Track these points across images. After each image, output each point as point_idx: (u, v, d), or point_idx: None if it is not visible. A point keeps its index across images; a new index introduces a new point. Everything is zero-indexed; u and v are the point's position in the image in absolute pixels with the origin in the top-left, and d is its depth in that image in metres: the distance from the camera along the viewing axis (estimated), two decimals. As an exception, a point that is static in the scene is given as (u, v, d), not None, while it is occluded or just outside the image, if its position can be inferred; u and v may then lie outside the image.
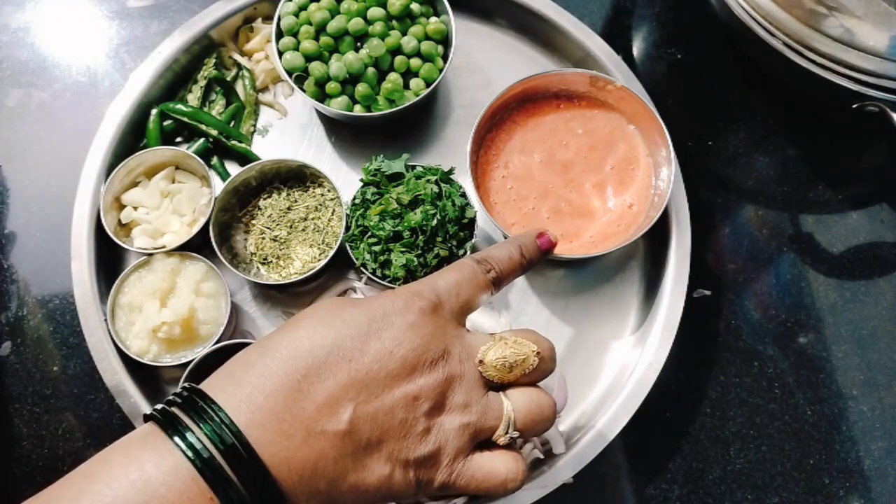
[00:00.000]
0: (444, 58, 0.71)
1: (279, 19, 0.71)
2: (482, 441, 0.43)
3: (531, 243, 0.50)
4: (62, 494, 0.36)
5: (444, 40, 0.72)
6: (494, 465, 0.42)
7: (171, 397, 0.40)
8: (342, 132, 0.76)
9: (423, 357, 0.41)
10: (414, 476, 0.40)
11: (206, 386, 0.40)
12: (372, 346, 0.41)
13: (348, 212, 0.67)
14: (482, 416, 0.42)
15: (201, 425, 0.37)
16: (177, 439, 0.36)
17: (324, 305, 0.43)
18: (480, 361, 0.43)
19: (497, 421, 0.43)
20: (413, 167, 0.68)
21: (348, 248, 0.66)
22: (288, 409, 0.38)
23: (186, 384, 0.40)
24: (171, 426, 0.37)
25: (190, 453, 0.36)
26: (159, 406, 0.39)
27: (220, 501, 0.36)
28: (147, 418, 0.39)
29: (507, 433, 0.43)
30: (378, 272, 0.65)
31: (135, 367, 0.65)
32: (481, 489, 0.42)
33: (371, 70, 0.69)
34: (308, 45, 0.69)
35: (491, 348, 0.43)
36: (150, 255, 0.66)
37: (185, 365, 0.62)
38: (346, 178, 0.73)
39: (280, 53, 0.70)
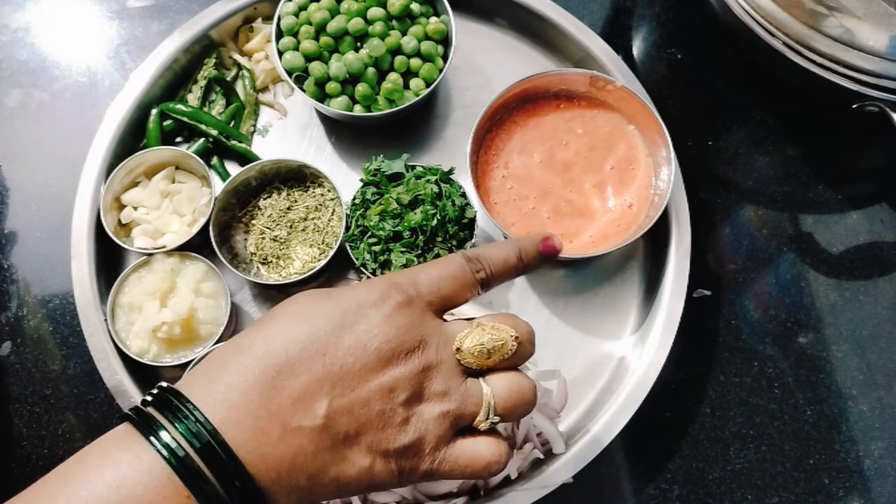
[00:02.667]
0: (444, 58, 0.71)
1: (279, 19, 0.71)
2: (464, 427, 0.43)
3: (532, 248, 0.49)
4: (40, 495, 0.36)
5: (444, 40, 0.72)
6: (477, 450, 0.42)
7: (146, 397, 0.39)
8: (342, 132, 0.76)
9: (398, 348, 0.41)
10: (396, 466, 0.40)
11: (181, 385, 0.40)
12: (346, 339, 0.40)
13: (348, 212, 0.67)
14: (461, 403, 0.42)
15: (176, 424, 0.37)
16: (152, 439, 0.36)
17: (297, 300, 0.43)
18: (458, 349, 0.43)
19: (477, 407, 0.42)
20: (413, 167, 0.68)
21: (348, 248, 0.66)
22: (263, 406, 0.38)
23: (162, 384, 0.40)
24: (146, 426, 0.37)
25: (165, 452, 0.36)
26: (134, 406, 0.39)
27: (197, 500, 0.35)
28: (122, 418, 0.39)
29: (487, 418, 0.42)
30: (378, 272, 0.65)
31: (135, 367, 0.65)
32: (466, 474, 0.42)
33: (371, 70, 0.69)
34: (308, 45, 0.69)
35: (468, 335, 0.43)
36: (150, 255, 0.66)
37: (185, 365, 0.62)
38: (346, 178, 0.73)
39: (280, 53, 0.70)
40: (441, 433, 0.41)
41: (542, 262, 0.50)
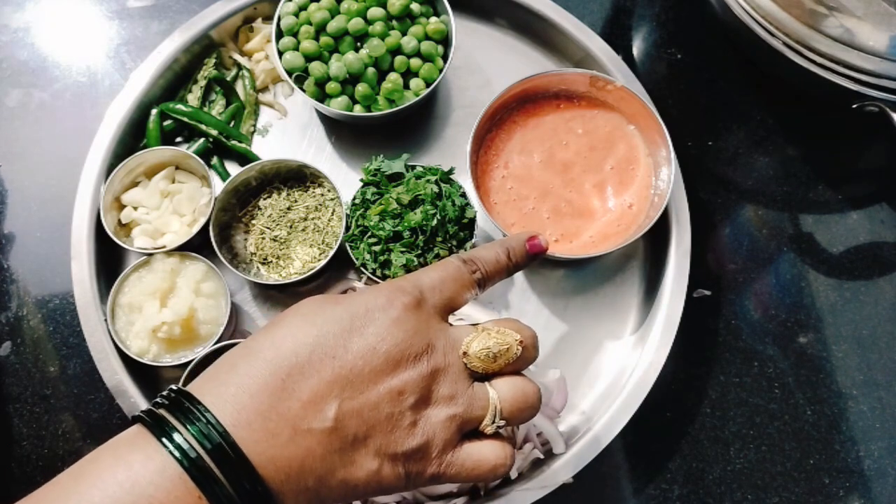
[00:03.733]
0: (444, 58, 0.71)
1: (279, 19, 0.71)
2: (469, 431, 0.43)
3: (520, 246, 0.51)
4: (51, 495, 0.37)
5: (444, 40, 0.72)
6: (483, 453, 0.43)
7: (158, 399, 0.40)
8: (342, 132, 0.76)
9: (406, 351, 0.41)
10: (403, 469, 0.41)
11: (193, 388, 0.40)
12: (355, 343, 0.41)
13: (348, 212, 0.67)
14: (468, 407, 0.43)
15: (188, 426, 0.37)
16: (164, 440, 0.37)
17: (306, 304, 0.43)
18: (464, 353, 0.43)
19: (483, 411, 0.43)
20: (413, 167, 0.68)
21: (348, 248, 0.66)
22: (273, 408, 0.38)
23: (173, 386, 0.40)
24: (158, 427, 0.38)
25: (177, 453, 0.36)
26: (146, 408, 0.40)
27: (208, 500, 0.36)
28: (135, 420, 0.39)
29: (493, 422, 0.43)
30: (378, 272, 0.65)
31: (135, 367, 0.65)
32: (472, 477, 0.43)
33: (371, 70, 0.69)
34: (308, 45, 0.69)
35: (474, 339, 0.44)
36: (150, 255, 0.66)
37: (185, 365, 0.62)
38: (346, 178, 0.73)
39: (280, 53, 0.70)
40: (448, 437, 0.42)
41: (530, 260, 0.51)
